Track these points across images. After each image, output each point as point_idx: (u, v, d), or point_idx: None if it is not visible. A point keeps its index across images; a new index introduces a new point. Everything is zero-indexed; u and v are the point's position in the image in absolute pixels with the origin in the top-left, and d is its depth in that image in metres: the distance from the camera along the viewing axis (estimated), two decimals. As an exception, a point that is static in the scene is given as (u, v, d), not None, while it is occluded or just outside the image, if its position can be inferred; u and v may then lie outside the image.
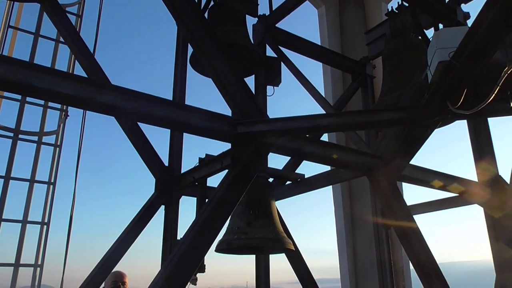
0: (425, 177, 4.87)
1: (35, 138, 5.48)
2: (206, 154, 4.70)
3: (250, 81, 5.69)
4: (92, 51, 5.13)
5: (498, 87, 2.97)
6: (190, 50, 5.39)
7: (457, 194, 5.55)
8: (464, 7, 5.93)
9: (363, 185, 7.80)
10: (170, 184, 4.84)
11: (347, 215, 8.60)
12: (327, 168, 5.19)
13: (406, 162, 4.35)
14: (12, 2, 5.23)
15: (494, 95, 3.01)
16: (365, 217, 7.65)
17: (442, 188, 5.13)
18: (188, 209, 5.10)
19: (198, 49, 3.59)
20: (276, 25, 6.11)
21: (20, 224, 5.08)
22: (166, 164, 4.98)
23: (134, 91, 3.03)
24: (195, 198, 4.88)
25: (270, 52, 5.96)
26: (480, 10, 2.90)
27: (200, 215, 3.15)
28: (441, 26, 5.91)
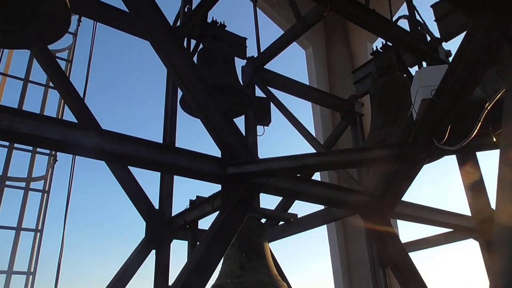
0: (418, 213, 4.84)
1: (23, 184, 5.39)
2: (197, 196, 4.65)
3: (240, 121, 5.73)
4: (82, 96, 5.16)
5: (480, 122, 3.03)
6: (180, 92, 5.45)
7: (451, 230, 5.52)
8: (446, 45, 6.12)
9: (357, 223, 7.73)
10: (160, 227, 4.75)
11: (342, 255, 8.47)
12: (320, 207, 5.15)
13: (398, 199, 4.34)
14: (1, 49, 5.28)
15: (477, 130, 3.06)
16: (361, 256, 7.54)
17: (436, 224, 5.10)
18: (179, 253, 4.99)
19: (187, 92, 3.63)
20: (265, 66, 6.23)
21: (5, 275, 4.91)
22: (157, 207, 4.91)
23: (123, 134, 3.03)
24: (187, 242, 4.79)
25: (259, 92, 6.05)
26: (457, 49, 3.00)
27: (191, 259, 3.09)
28: (424, 64, 6.07)
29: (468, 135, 3.09)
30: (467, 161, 5.93)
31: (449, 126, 3.24)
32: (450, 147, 3.25)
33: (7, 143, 5.32)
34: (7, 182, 5.25)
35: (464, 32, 3.09)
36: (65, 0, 3.28)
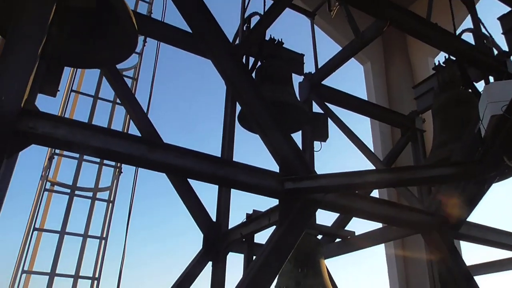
0: (485, 235, 4.57)
1: (90, 194, 5.72)
2: (254, 210, 4.68)
3: (298, 137, 5.73)
4: (145, 111, 5.42)
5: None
6: (238, 107, 5.56)
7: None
8: (515, 59, 5.79)
9: (417, 243, 7.41)
10: (217, 240, 4.82)
11: (401, 276, 8.14)
12: (378, 225, 5.01)
13: (463, 220, 4.12)
14: (75, 68, 5.68)
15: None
16: (422, 279, 7.20)
17: (504, 247, 4.78)
18: (235, 266, 5.03)
19: (247, 108, 3.70)
20: (322, 82, 6.22)
21: (72, 279, 5.20)
22: (214, 219, 5.00)
23: (184, 148, 3.13)
24: (243, 255, 4.82)
25: (316, 108, 6.04)
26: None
27: (247, 273, 3.10)
28: (491, 78, 5.78)
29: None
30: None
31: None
32: (522, 166, 3.05)
33: (77, 155, 5.68)
34: (76, 192, 5.59)
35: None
36: (134, 23, 3.49)
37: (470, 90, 5.89)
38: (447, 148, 5.23)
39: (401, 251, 8.29)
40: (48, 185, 5.49)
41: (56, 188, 5.60)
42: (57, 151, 5.62)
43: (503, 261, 5.58)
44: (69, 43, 3.65)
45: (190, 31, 3.97)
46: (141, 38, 6.31)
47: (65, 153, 5.70)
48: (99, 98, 6.12)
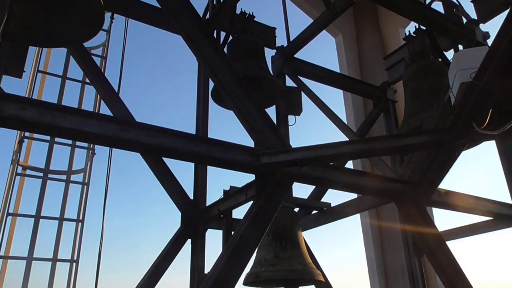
0: (455, 201, 4.73)
1: (64, 177, 5.62)
2: (231, 186, 4.70)
3: (271, 111, 5.73)
4: (116, 90, 5.30)
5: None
6: (211, 84, 5.50)
7: (491, 218, 5.37)
8: (483, 27, 5.89)
9: (391, 211, 7.63)
10: (195, 217, 4.84)
11: (376, 243, 8.38)
12: (353, 195, 5.11)
13: (435, 187, 4.25)
14: (40, 48, 5.47)
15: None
16: (396, 245, 7.44)
17: (474, 212, 4.97)
18: (214, 242, 5.09)
19: (219, 84, 3.66)
20: (295, 55, 6.19)
21: (51, 262, 5.16)
22: (191, 197, 5.00)
23: (158, 127, 3.09)
24: (221, 231, 4.87)
25: (290, 82, 6.02)
26: (499, 29, 2.88)
27: (226, 248, 3.13)
28: (460, 47, 5.87)
29: (510, 119, 2.97)
30: (508, 146, 5.72)
31: (490, 110, 3.13)
32: (491, 132, 3.13)
33: (48, 138, 5.54)
34: (50, 175, 5.48)
35: (503, 12, 2.97)
36: (99, -1, 3.37)
37: (440, 59, 5.98)
38: (419, 117, 5.33)
39: (376, 220, 8.52)
40: (19, 170, 5.37)
41: (28, 172, 5.48)
42: (27, 134, 5.47)
43: (473, 226, 5.81)
44: (33, 21, 3.50)
45: (159, 6, 3.86)
46: (108, 15, 6.11)
47: (36, 135, 5.55)
48: (68, 78, 5.94)
